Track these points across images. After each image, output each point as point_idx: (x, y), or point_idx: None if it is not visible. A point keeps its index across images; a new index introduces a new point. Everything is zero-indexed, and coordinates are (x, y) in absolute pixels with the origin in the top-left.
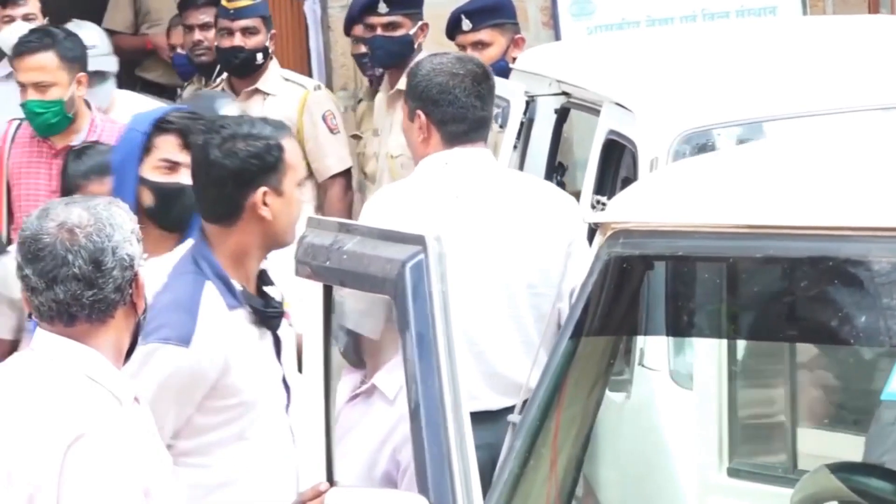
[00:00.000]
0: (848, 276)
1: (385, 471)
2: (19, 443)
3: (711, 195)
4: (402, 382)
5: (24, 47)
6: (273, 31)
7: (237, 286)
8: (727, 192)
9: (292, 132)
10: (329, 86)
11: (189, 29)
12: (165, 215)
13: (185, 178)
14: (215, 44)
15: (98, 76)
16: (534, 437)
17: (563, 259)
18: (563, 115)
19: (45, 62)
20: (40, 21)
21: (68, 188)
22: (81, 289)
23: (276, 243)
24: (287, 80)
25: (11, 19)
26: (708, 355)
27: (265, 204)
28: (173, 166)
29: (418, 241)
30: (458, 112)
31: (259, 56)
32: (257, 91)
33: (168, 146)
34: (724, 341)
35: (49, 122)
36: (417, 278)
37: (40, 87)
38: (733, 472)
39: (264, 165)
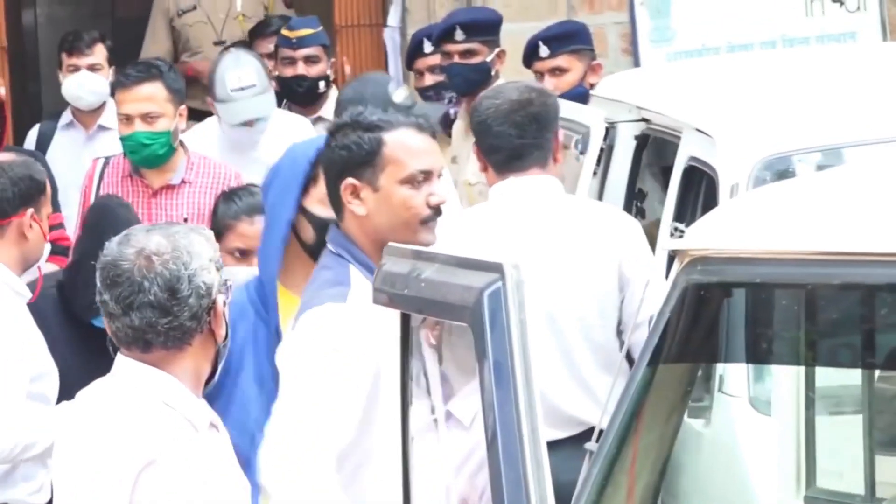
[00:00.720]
0: None
1: (462, 496)
2: (91, 465)
3: (790, 222)
4: (478, 409)
5: (131, 78)
6: (333, 60)
7: None
8: (806, 219)
9: (419, 125)
10: None
11: None
12: None
13: None
14: (275, 73)
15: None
16: (611, 464)
17: (618, 287)
18: (643, 141)
19: (154, 93)
20: (106, 72)
21: (218, 229)
22: (156, 316)
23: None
24: None
25: (76, 68)
26: (786, 382)
27: (357, 198)
28: None
29: (496, 268)
30: (494, 142)
31: (321, 84)
32: (321, 119)
33: None
34: (802, 368)
35: (156, 153)
36: (495, 306)
37: (148, 118)
38: (810, 500)
39: (352, 158)
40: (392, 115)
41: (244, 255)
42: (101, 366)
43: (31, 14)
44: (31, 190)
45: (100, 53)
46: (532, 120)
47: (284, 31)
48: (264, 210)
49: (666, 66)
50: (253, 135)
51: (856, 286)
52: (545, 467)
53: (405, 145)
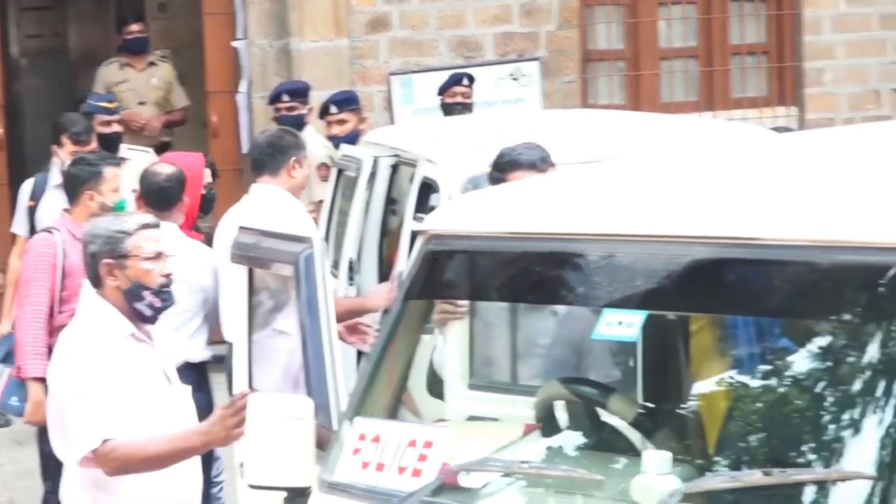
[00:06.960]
0: (566, 264)
1: (294, 378)
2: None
3: (484, 214)
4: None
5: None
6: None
7: None
8: (493, 212)
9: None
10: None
11: None
12: None
13: None
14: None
15: None
16: (378, 362)
17: None
18: (394, 168)
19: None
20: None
21: None
22: None
23: None
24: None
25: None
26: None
27: None
28: None
29: (308, 240)
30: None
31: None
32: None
33: None
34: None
35: None
36: (309, 263)
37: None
38: (472, 387)
39: None
40: None
41: None
42: None
43: (19, 83)
44: None
45: (94, 140)
46: (268, 144)
47: (103, 104)
48: None
49: (407, 122)
50: None
51: (522, 255)
52: (339, 363)
53: None
